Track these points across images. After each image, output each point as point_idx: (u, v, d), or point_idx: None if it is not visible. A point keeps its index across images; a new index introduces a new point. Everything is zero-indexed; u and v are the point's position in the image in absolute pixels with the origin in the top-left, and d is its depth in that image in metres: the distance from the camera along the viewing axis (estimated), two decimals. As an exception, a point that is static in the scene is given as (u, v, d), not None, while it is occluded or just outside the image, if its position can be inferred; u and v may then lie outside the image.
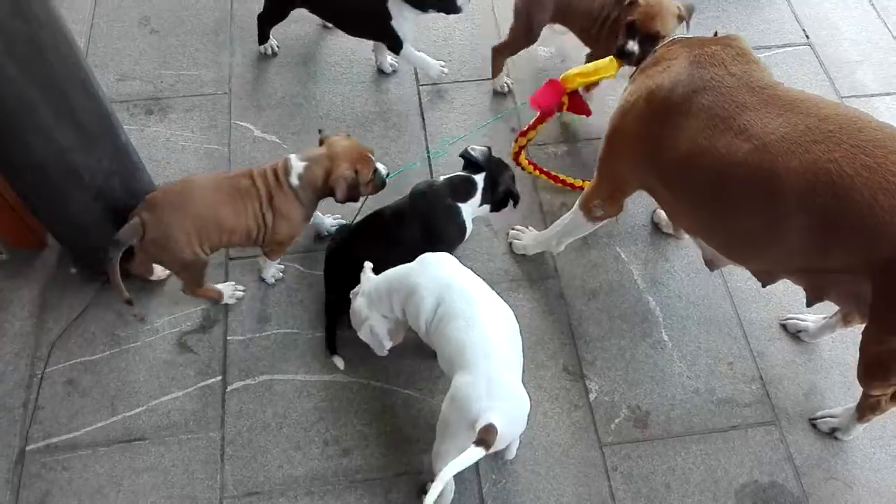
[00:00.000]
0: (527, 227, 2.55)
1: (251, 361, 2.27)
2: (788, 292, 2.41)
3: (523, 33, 2.71)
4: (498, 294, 1.97)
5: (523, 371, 1.87)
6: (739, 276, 2.48)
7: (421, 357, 2.26)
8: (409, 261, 2.03)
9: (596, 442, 2.18)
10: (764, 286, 2.01)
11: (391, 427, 2.17)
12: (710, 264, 2.21)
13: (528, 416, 1.84)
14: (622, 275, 2.48)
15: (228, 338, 2.31)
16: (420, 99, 2.89)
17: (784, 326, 2.40)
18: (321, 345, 2.30)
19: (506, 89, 2.90)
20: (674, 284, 2.47)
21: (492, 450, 1.71)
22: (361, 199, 2.29)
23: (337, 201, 2.14)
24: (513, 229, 2.55)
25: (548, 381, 2.27)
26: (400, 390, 2.23)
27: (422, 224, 2.22)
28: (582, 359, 2.32)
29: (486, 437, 1.68)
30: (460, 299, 1.90)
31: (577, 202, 2.28)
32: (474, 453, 1.67)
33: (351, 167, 2.12)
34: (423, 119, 2.83)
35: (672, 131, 1.87)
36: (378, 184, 2.23)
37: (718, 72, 1.84)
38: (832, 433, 2.20)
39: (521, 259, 2.50)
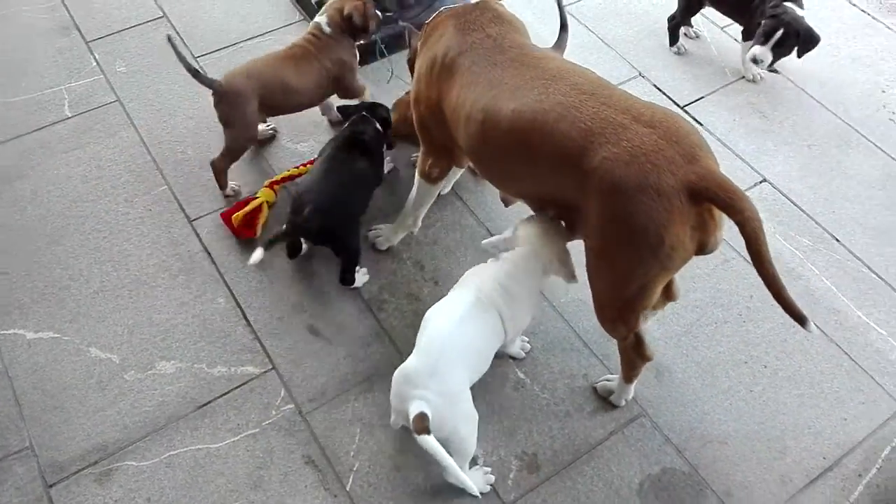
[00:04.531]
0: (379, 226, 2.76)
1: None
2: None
3: None
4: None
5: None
6: (561, 293, 2.61)
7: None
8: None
9: (501, 505, 2.18)
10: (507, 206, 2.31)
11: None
12: (504, 202, 2.66)
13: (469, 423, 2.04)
14: (460, 333, 2.51)
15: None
16: (195, 231, 2.73)
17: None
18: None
19: None
20: (509, 324, 2.54)
21: (433, 434, 1.89)
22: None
23: (364, 33, 2.85)
24: (370, 230, 2.72)
25: (435, 464, 2.22)
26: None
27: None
28: (456, 429, 2.30)
29: (418, 424, 1.88)
30: (454, 292, 2.18)
31: (417, 172, 2.53)
32: (424, 442, 1.89)
33: (356, 1, 2.80)
34: (208, 253, 2.68)
35: (448, 90, 2.18)
36: (377, 24, 2.87)
37: (478, 35, 2.16)
38: (609, 397, 2.37)
39: (365, 356, 2.44)
